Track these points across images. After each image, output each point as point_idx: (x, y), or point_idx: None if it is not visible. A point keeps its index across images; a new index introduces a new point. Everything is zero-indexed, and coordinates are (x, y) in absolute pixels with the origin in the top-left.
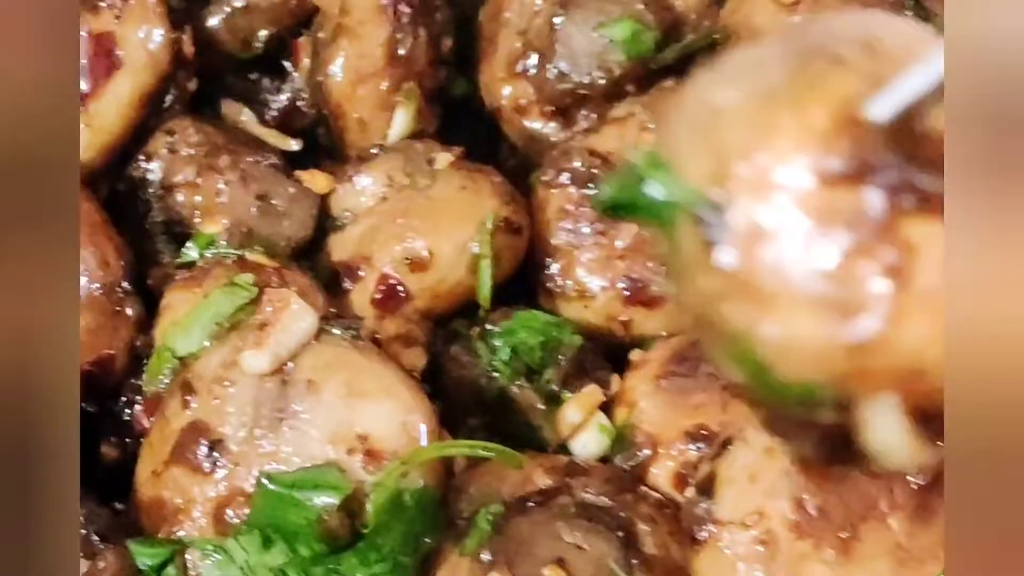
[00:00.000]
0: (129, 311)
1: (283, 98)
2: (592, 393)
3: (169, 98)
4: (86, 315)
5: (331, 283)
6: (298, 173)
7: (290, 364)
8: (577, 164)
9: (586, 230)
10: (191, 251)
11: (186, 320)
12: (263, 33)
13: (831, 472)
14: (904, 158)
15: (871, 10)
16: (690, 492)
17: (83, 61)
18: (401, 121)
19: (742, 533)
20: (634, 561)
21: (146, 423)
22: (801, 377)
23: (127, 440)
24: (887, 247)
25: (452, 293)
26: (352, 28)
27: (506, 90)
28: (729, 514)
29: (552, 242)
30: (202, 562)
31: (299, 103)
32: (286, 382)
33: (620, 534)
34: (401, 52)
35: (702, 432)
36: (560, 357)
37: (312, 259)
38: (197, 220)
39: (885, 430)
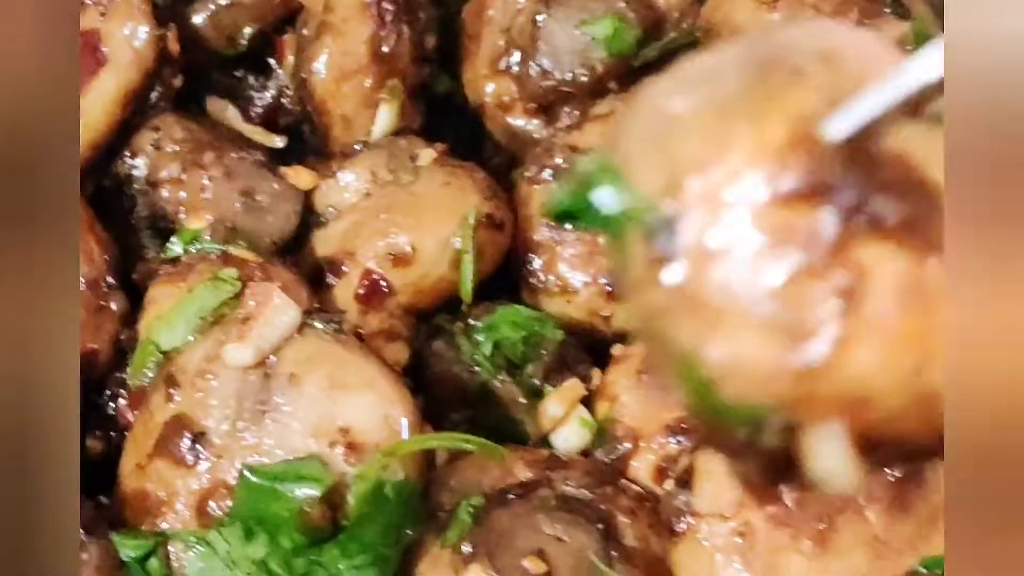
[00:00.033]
0: (114, 306)
1: (268, 95)
2: (574, 387)
3: (154, 95)
4: None
5: (315, 278)
6: (282, 169)
7: (273, 357)
8: (559, 160)
9: (568, 226)
10: (175, 246)
11: (170, 314)
12: (248, 30)
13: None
14: (860, 179)
15: (834, 22)
16: (669, 485)
17: None
18: (385, 118)
19: (720, 525)
20: (614, 553)
21: (130, 417)
22: (746, 399)
23: (111, 433)
24: (839, 270)
25: (435, 288)
26: (336, 25)
27: (489, 87)
28: (707, 506)
29: (534, 238)
30: (185, 554)
31: (284, 100)
32: (269, 375)
33: (600, 526)
34: (385, 49)
35: (682, 426)
36: (542, 352)
37: (296, 255)
38: (182, 216)
39: (829, 457)
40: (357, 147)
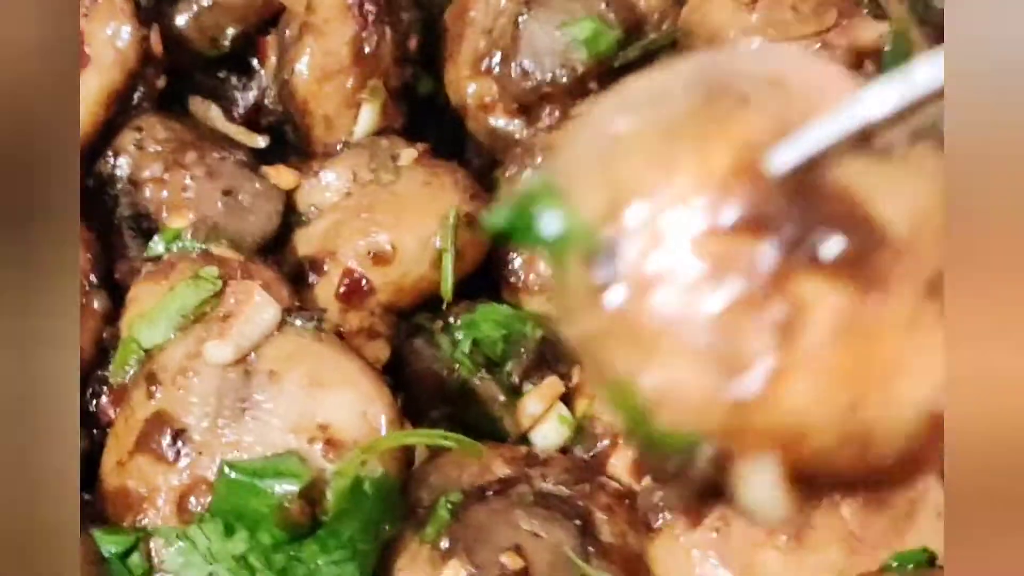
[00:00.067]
0: (96, 304)
1: (250, 95)
2: (553, 385)
3: (137, 95)
4: None
5: (297, 277)
6: (264, 169)
7: (253, 355)
8: (540, 161)
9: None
10: (157, 245)
11: (152, 312)
12: (230, 31)
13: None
14: (804, 211)
15: (788, 47)
16: (647, 481)
17: None
18: (366, 118)
19: None
20: (591, 549)
21: (112, 414)
22: (679, 428)
23: (94, 431)
24: (777, 303)
25: (415, 287)
26: (318, 26)
27: (471, 88)
28: None
29: None
30: (166, 550)
31: (266, 100)
32: (249, 372)
33: (577, 522)
34: (367, 50)
35: None
36: (521, 350)
37: (278, 254)
38: (164, 215)
39: (760, 489)
40: (339, 147)
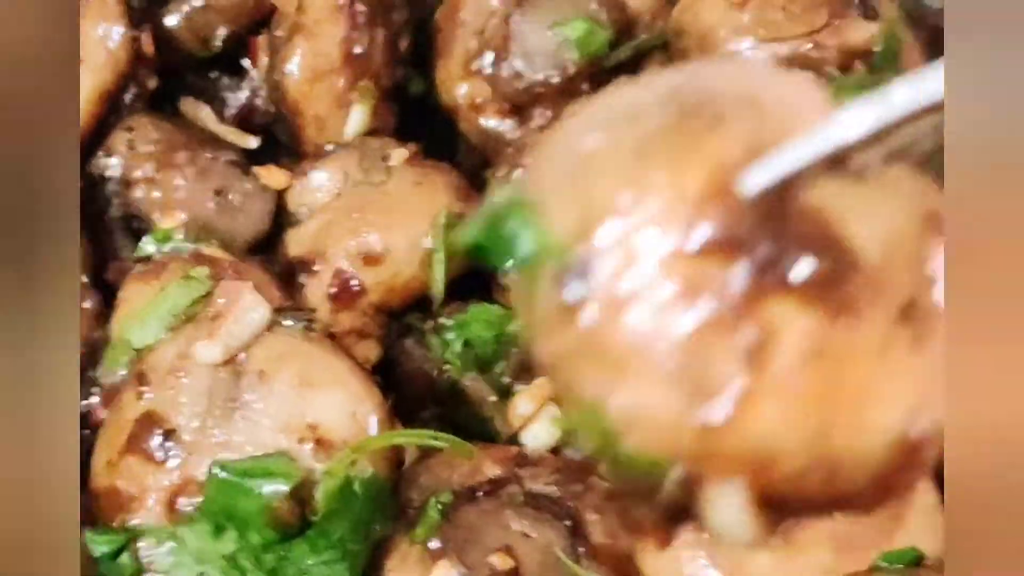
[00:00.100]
0: (87, 304)
1: (241, 96)
2: (543, 385)
3: (129, 96)
4: None
5: (288, 278)
6: (255, 169)
7: (243, 355)
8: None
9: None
10: (148, 245)
11: (143, 312)
12: (222, 32)
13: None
14: (776, 234)
15: (766, 65)
16: None
17: None
18: (357, 118)
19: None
20: (581, 549)
21: (103, 414)
22: (648, 451)
23: (84, 431)
24: (748, 326)
25: (406, 287)
26: (309, 27)
27: (462, 88)
28: None
29: None
30: (156, 550)
31: (257, 101)
32: (239, 373)
33: (568, 523)
34: (357, 51)
35: None
36: (512, 350)
37: (270, 254)
38: (155, 215)
39: (728, 513)
40: (330, 147)
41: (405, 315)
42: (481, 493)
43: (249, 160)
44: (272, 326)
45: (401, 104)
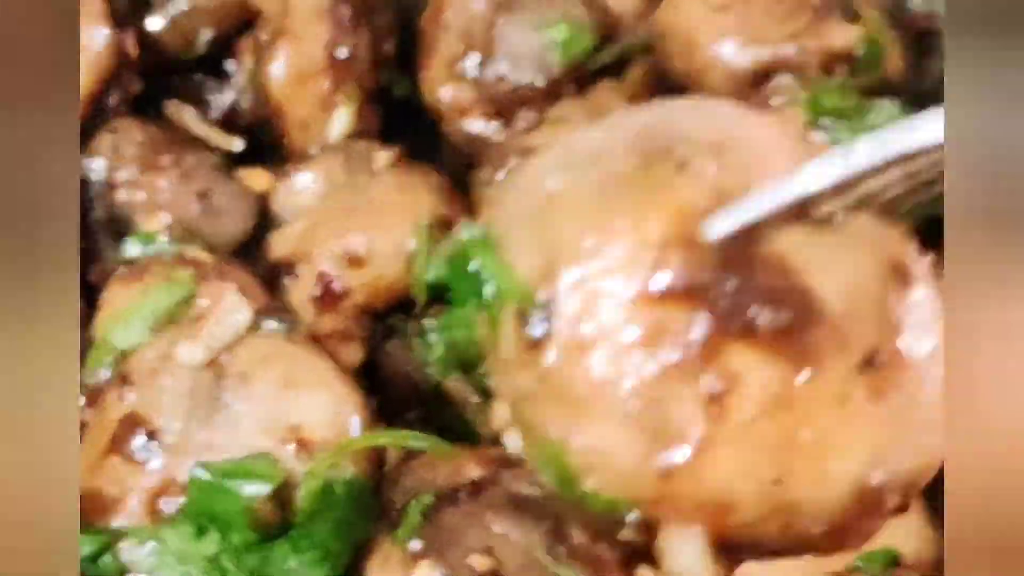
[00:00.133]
0: None
1: (226, 98)
2: None
3: (113, 98)
4: None
5: (272, 280)
6: (239, 171)
7: (225, 356)
8: (515, 163)
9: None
10: (132, 247)
11: (126, 314)
12: (206, 34)
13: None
14: (738, 282)
15: (733, 107)
16: None
17: None
18: (341, 120)
19: None
20: (561, 551)
21: (86, 415)
22: (607, 493)
23: None
24: (709, 373)
25: (390, 289)
26: (293, 29)
27: (446, 91)
28: None
29: None
30: (138, 551)
31: (242, 103)
32: (221, 374)
33: (549, 525)
34: (342, 53)
35: None
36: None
37: (253, 256)
38: (139, 217)
39: (685, 557)
40: (314, 150)
41: (389, 317)
42: (463, 494)
43: (233, 162)
44: (254, 328)
45: (385, 106)
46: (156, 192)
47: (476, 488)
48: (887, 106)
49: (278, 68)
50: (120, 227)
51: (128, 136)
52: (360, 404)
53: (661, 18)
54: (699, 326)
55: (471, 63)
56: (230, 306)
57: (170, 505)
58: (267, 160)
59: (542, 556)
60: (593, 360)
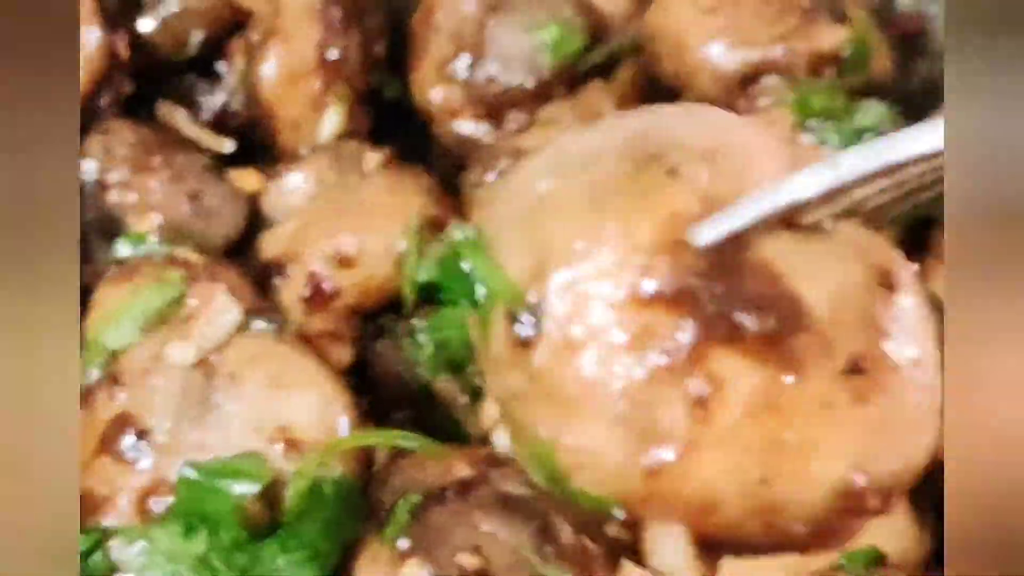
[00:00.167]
0: None
1: (217, 99)
2: None
3: (104, 99)
4: None
5: (262, 280)
6: (230, 172)
7: (215, 356)
8: (505, 164)
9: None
10: (123, 248)
11: (116, 314)
12: (197, 36)
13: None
14: (725, 287)
15: (724, 114)
16: None
17: None
18: (332, 121)
19: None
20: (549, 550)
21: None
22: (594, 491)
23: None
24: (695, 377)
25: (380, 290)
26: (284, 30)
27: (437, 92)
28: None
29: None
30: (127, 550)
31: (233, 104)
32: (211, 374)
33: (537, 524)
34: (333, 54)
35: None
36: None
37: (244, 256)
38: (130, 218)
39: (669, 554)
40: (304, 150)
41: (379, 317)
42: (451, 493)
43: (224, 163)
44: (244, 328)
45: (376, 107)
46: (147, 193)
47: (464, 487)
48: (875, 107)
49: (269, 69)
50: (111, 228)
51: (119, 137)
52: (349, 404)
53: (650, 20)
54: (686, 330)
55: (461, 64)
56: (220, 306)
57: (160, 504)
58: (258, 161)
59: (530, 555)
60: (582, 361)
